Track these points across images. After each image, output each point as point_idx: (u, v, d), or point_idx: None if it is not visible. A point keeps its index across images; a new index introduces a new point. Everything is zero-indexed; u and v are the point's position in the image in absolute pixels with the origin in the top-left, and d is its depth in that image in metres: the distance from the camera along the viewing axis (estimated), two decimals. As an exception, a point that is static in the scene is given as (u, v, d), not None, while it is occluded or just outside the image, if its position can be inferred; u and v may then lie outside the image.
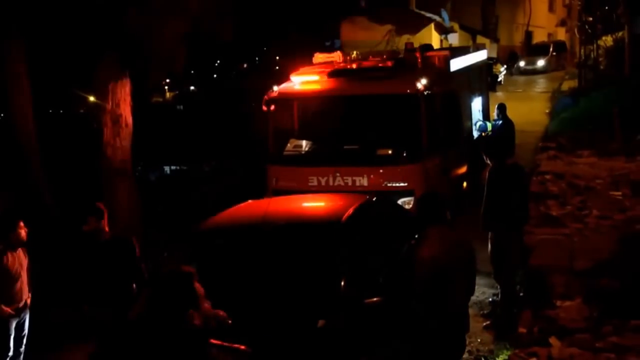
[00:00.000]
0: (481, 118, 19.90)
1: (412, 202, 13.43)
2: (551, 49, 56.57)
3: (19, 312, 11.12)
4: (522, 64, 55.10)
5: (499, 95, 35.14)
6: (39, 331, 11.94)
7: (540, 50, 56.90)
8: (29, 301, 11.30)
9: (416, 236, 7.98)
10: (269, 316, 7.53)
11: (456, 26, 49.22)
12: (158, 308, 7.98)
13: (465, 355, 9.54)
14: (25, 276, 11.16)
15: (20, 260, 11.05)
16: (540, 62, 54.06)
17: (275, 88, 15.53)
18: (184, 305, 7.09)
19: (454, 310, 7.62)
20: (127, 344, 7.72)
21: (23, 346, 11.39)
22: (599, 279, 9.96)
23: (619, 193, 14.90)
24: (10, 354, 11.10)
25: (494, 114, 20.02)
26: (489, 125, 18.53)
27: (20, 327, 11.26)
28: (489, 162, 11.68)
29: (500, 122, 19.04)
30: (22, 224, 11.03)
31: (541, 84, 47.83)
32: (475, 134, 18.58)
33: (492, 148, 11.81)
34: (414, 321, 7.65)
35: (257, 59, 74.35)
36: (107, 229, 10.57)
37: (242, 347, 6.96)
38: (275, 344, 7.08)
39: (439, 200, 8.07)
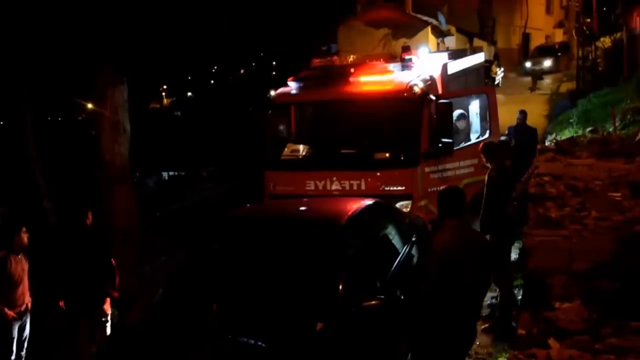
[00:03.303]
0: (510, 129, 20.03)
1: (409, 206, 13.42)
2: (557, 50, 56.64)
3: (20, 316, 11.35)
4: (528, 64, 54.97)
5: (498, 98, 35.16)
6: (38, 335, 12.07)
7: (546, 51, 56.83)
8: (29, 305, 11.47)
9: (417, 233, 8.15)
10: (268, 317, 7.52)
11: (453, 29, 49.25)
12: (174, 306, 8.04)
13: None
14: (26, 280, 11.36)
15: (22, 265, 11.30)
16: (547, 63, 53.97)
17: (272, 93, 15.54)
18: (207, 301, 7.15)
19: (467, 298, 7.97)
20: (132, 347, 7.74)
21: (24, 349, 11.56)
22: (598, 281, 9.92)
23: (618, 194, 14.84)
24: (13, 357, 11.25)
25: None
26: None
27: (21, 330, 11.43)
28: (488, 164, 11.70)
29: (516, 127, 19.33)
30: (24, 229, 11.25)
31: (542, 85, 47.75)
32: (473, 137, 18.56)
33: (491, 151, 11.81)
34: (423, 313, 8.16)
35: (253, 64, 74.50)
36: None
37: (259, 343, 7.00)
38: (274, 344, 7.07)
39: (458, 195, 8.47)
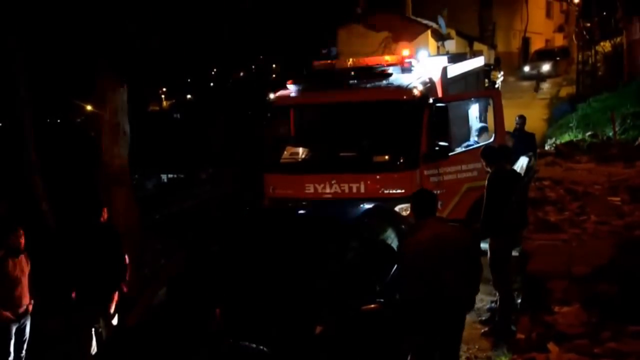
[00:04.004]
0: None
1: (409, 209, 13.38)
2: (556, 54, 56.44)
3: (19, 317, 11.31)
4: (526, 69, 54.85)
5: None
6: (38, 338, 12.08)
7: (545, 55, 56.73)
8: (30, 307, 11.47)
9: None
10: (268, 320, 7.51)
11: (453, 33, 49.19)
12: (175, 309, 8.05)
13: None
14: (26, 282, 11.36)
15: (21, 266, 11.31)
16: (545, 67, 53.86)
17: (272, 96, 15.51)
18: (209, 303, 7.14)
19: (452, 290, 8.38)
20: (131, 349, 7.75)
21: (24, 351, 11.56)
22: (597, 285, 9.91)
23: (618, 199, 14.83)
24: (11, 358, 11.23)
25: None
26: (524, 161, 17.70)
27: (21, 333, 11.45)
28: (488, 168, 11.69)
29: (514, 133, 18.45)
30: (21, 230, 11.26)
31: (541, 90, 47.74)
32: (473, 140, 18.48)
33: (490, 155, 11.80)
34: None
35: (253, 67, 74.51)
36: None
37: (259, 347, 6.99)
38: (274, 348, 7.06)
39: (430, 196, 9.02)
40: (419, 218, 8.84)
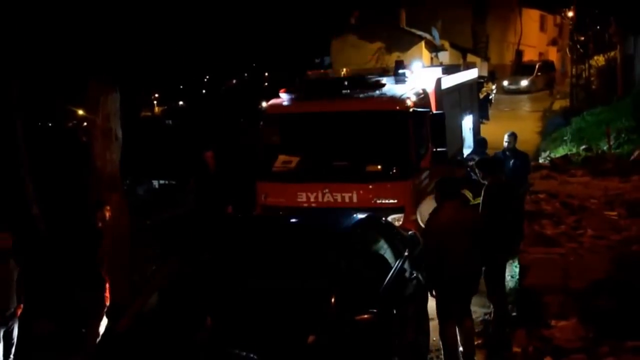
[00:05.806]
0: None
1: (401, 219, 13.32)
2: (536, 69, 56.22)
3: (6, 320, 11.20)
4: (505, 83, 54.84)
5: (490, 114, 35.09)
6: (26, 342, 11.98)
7: (527, 70, 56.73)
8: (19, 311, 11.36)
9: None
10: (260, 329, 7.40)
11: (447, 44, 49.36)
12: (166, 316, 7.94)
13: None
14: (14, 285, 11.26)
15: (9, 270, 11.30)
16: (524, 82, 53.89)
17: (265, 104, 15.46)
18: (199, 312, 7.06)
19: (465, 260, 9.79)
20: (121, 356, 7.65)
21: (11, 356, 11.47)
22: (594, 299, 9.87)
23: (614, 213, 14.81)
24: (-2, 362, 11.16)
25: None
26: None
27: (8, 336, 11.37)
28: (484, 180, 11.61)
29: (504, 152, 16.55)
30: (7, 234, 11.19)
31: (528, 103, 47.86)
32: (466, 152, 18.37)
33: (486, 165, 11.72)
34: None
35: (246, 75, 74.56)
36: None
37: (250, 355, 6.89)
38: (265, 356, 6.96)
39: (451, 182, 10.44)
40: (443, 199, 10.14)
